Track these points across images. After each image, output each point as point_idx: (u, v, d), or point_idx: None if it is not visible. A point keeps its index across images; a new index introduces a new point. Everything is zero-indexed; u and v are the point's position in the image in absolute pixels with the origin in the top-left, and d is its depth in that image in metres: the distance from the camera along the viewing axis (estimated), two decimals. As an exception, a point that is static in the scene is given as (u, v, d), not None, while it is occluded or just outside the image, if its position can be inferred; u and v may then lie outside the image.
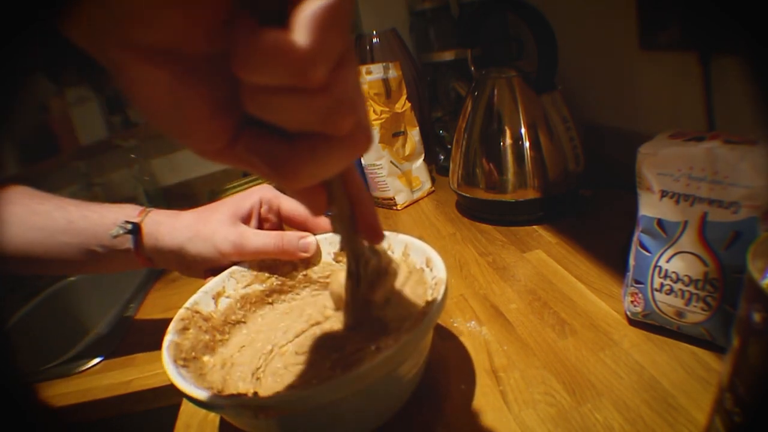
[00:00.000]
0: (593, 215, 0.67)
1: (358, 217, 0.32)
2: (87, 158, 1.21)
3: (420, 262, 0.45)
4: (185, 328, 0.42)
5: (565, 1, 0.79)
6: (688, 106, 0.61)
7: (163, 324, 0.42)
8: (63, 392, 0.57)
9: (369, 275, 0.37)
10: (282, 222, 0.54)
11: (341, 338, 0.43)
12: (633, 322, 0.44)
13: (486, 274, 0.58)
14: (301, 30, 0.18)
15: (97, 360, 0.61)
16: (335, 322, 0.45)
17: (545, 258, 0.58)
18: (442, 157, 0.95)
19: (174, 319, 0.42)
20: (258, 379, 0.40)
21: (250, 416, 0.31)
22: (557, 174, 0.66)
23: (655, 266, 0.41)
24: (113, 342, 0.65)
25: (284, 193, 0.53)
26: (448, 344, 0.47)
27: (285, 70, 0.18)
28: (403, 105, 0.85)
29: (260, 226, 0.53)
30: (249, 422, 0.35)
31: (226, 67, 0.19)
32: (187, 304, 0.44)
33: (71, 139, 1.24)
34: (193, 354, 0.41)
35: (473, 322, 0.50)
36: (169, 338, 0.40)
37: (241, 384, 0.40)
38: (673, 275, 0.39)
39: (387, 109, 0.82)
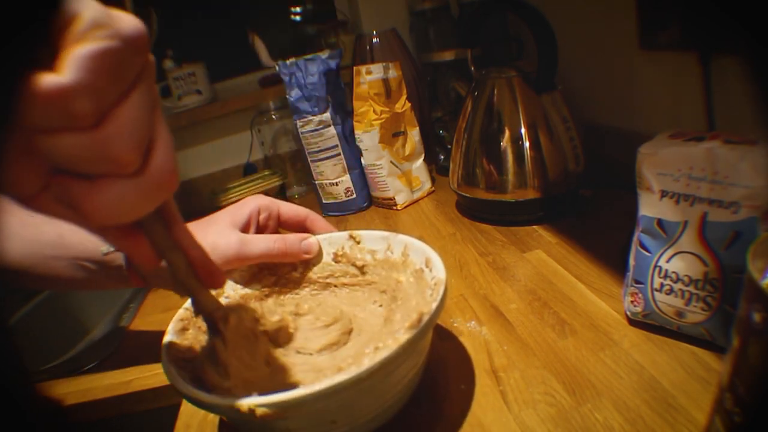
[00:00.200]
0: (593, 215, 0.67)
1: (193, 265, 0.32)
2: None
3: (419, 262, 0.45)
4: (184, 329, 0.42)
5: (565, 1, 0.79)
6: (688, 106, 0.61)
7: (163, 324, 0.42)
8: (63, 392, 0.57)
9: (230, 336, 0.36)
10: (281, 227, 0.54)
11: (341, 339, 0.43)
12: (633, 322, 0.44)
13: (486, 274, 0.58)
14: (65, 66, 0.19)
15: (97, 360, 0.61)
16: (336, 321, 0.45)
17: (545, 258, 0.58)
18: (442, 157, 0.95)
19: (173, 320, 0.42)
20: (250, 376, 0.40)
21: (249, 416, 0.31)
22: (557, 174, 0.66)
23: (655, 266, 0.41)
24: (113, 342, 0.65)
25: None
26: (448, 344, 0.47)
27: (54, 108, 0.20)
28: (403, 105, 0.85)
29: (259, 234, 0.52)
30: (248, 423, 0.35)
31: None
32: (186, 305, 0.44)
33: None
34: (192, 354, 0.41)
35: (473, 322, 0.50)
36: (168, 338, 0.40)
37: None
38: (673, 275, 0.39)
39: (387, 109, 0.82)
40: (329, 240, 0.52)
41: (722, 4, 0.46)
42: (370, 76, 0.81)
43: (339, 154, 0.86)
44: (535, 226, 0.67)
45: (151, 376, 0.56)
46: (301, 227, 0.53)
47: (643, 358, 0.40)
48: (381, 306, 0.48)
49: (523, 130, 0.66)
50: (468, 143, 0.71)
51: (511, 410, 0.38)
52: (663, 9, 0.61)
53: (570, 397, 0.38)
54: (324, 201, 0.91)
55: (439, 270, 0.41)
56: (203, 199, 1.09)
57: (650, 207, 0.40)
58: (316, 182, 0.89)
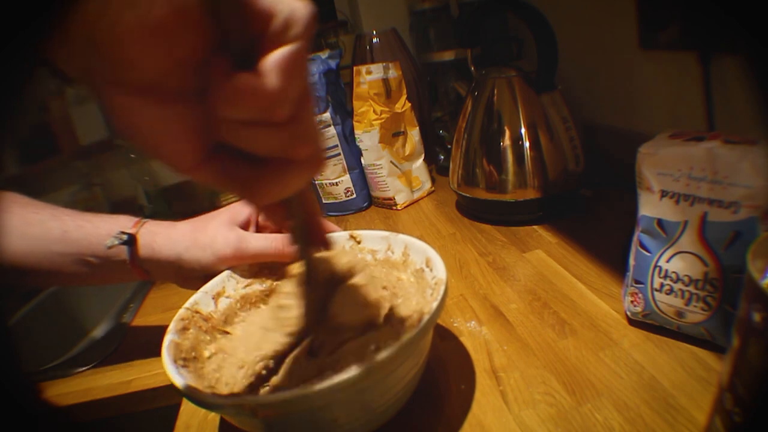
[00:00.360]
0: (593, 215, 0.67)
1: (312, 229, 0.36)
2: (87, 158, 1.21)
3: (420, 262, 0.45)
4: (185, 328, 0.42)
5: (565, 1, 0.79)
6: (688, 106, 0.61)
7: (163, 324, 0.42)
8: (63, 392, 0.57)
9: (320, 279, 0.40)
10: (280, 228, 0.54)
11: (342, 338, 0.43)
12: (633, 322, 0.44)
13: (486, 274, 0.58)
14: (270, 74, 0.21)
15: (97, 360, 0.61)
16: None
17: (545, 258, 0.58)
18: (442, 157, 0.95)
19: (174, 319, 0.42)
20: (258, 378, 0.40)
21: (249, 415, 0.31)
22: (557, 174, 0.66)
23: (655, 266, 0.41)
24: (113, 342, 0.65)
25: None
26: (448, 344, 0.47)
27: (256, 109, 0.22)
28: (403, 105, 0.85)
29: (259, 234, 0.52)
30: (248, 422, 0.35)
31: (198, 98, 0.22)
32: (187, 304, 0.44)
33: (71, 139, 1.24)
34: (194, 354, 0.41)
35: (473, 322, 0.50)
36: (169, 338, 0.40)
37: (242, 383, 0.40)
38: (673, 275, 0.39)
39: (387, 109, 0.82)
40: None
41: (722, 4, 0.46)
42: (370, 76, 0.81)
43: (339, 154, 0.86)
44: (535, 226, 0.67)
45: (151, 376, 0.56)
46: None
47: (643, 358, 0.40)
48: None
49: (523, 130, 0.66)
50: (468, 143, 0.71)
51: (511, 410, 0.38)
52: (663, 9, 0.61)
53: (570, 397, 0.38)
54: (324, 201, 0.91)
55: (439, 270, 0.41)
56: (203, 199, 1.09)
57: (650, 207, 0.40)
58: (316, 182, 0.89)
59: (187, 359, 0.39)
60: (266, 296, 0.50)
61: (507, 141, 0.66)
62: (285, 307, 0.41)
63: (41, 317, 0.80)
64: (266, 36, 0.22)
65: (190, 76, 0.22)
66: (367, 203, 0.90)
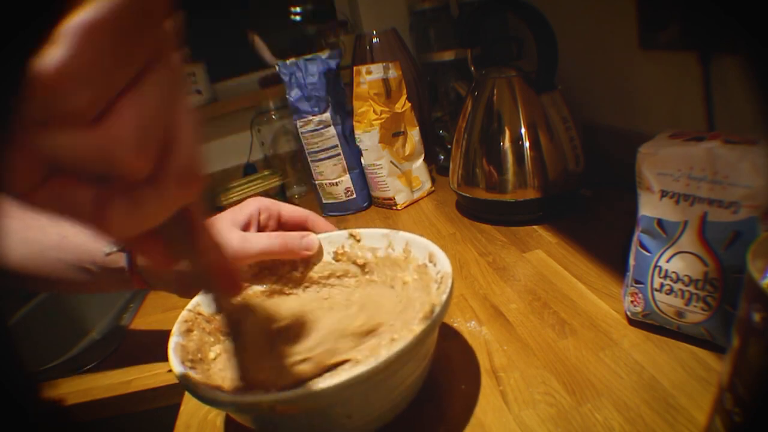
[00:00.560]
0: (593, 215, 0.67)
1: (214, 271, 0.29)
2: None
3: (422, 257, 0.45)
4: (189, 330, 0.42)
5: (565, 1, 0.79)
6: (688, 106, 0.61)
7: (163, 324, 0.42)
8: (63, 392, 0.57)
9: (250, 333, 0.37)
10: (281, 228, 0.54)
11: (352, 334, 0.43)
12: (633, 322, 0.44)
13: (486, 274, 0.58)
14: (62, 43, 0.15)
15: (97, 360, 0.61)
16: (343, 317, 0.45)
17: (545, 258, 0.58)
18: (442, 157, 0.95)
19: (177, 321, 0.42)
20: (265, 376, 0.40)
21: (267, 413, 0.31)
22: (557, 174, 0.66)
23: (655, 266, 0.41)
24: (113, 342, 0.65)
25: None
26: (448, 344, 0.47)
27: (44, 97, 0.16)
28: (403, 105, 0.85)
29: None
30: (264, 420, 0.35)
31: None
32: (189, 306, 0.44)
33: None
34: (199, 356, 0.40)
35: (473, 322, 0.50)
36: (174, 340, 0.39)
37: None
38: (673, 275, 0.39)
39: (387, 109, 0.82)
40: (329, 239, 0.52)
41: (722, 4, 0.46)
42: (370, 76, 0.81)
43: (339, 154, 0.86)
44: (535, 226, 0.67)
45: (151, 376, 0.56)
46: (301, 228, 0.53)
47: (643, 358, 0.40)
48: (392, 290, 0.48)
49: (523, 130, 0.66)
50: (468, 143, 0.71)
51: (511, 410, 0.38)
52: (663, 8, 0.61)
53: (570, 397, 0.38)
54: (324, 201, 0.91)
55: (444, 264, 0.41)
56: (202, 199, 1.09)
57: (650, 207, 0.40)
58: (316, 182, 0.89)
59: (194, 360, 0.39)
60: (267, 297, 0.50)
61: (507, 141, 0.66)
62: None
63: (41, 318, 0.80)
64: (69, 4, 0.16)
65: None
66: (367, 203, 0.90)
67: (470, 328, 0.49)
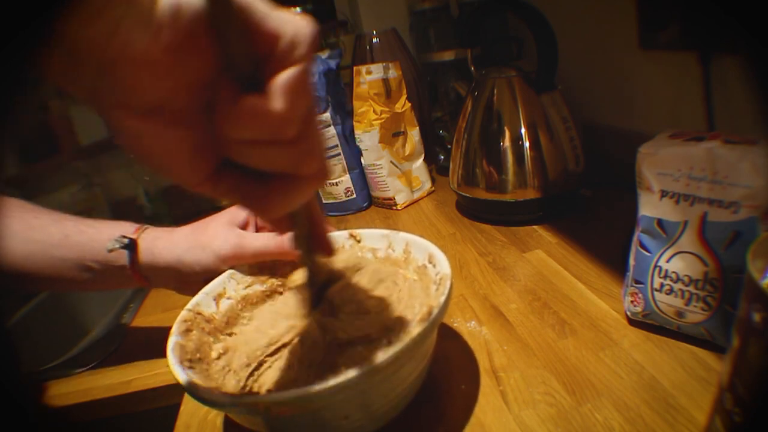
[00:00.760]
0: (593, 215, 0.67)
1: (315, 237, 0.36)
2: (87, 158, 1.21)
3: (422, 258, 0.45)
4: (188, 330, 0.42)
5: (565, 1, 0.79)
6: (688, 106, 0.61)
7: (163, 324, 0.42)
8: (63, 392, 0.57)
9: (320, 282, 0.42)
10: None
11: (352, 335, 0.43)
12: (633, 322, 0.44)
13: (486, 274, 0.58)
14: (278, 96, 0.22)
15: (97, 360, 0.61)
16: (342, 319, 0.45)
17: (545, 258, 0.58)
18: (442, 157, 0.95)
19: (177, 321, 0.42)
20: (262, 376, 0.40)
21: (263, 414, 0.31)
22: (557, 174, 0.66)
23: (655, 266, 0.41)
24: (113, 342, 0.65)
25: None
26: (448, 344, 0.47)
27: (264, 129, 0.22)
28: (403, 105, 0.85)
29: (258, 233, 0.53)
30: (259, 420, 0.35)
31: (204, 118, 0.23)
32: (188, 306, 0.44)
33: (71, 139, 1.24)
34: (198, 355, 0.40)
35: (473, 322, 0.50)
36: (173, 340, 0.39)
37: (247, 383, 0.40)
38: (673, 275, 0.39)
39: (387, 109, 0.82)
40: (329, 239, 0.52)
41: (722, 4, 0.46)
42: (370, 76, 0.81)
43: (339, 154, 0.86)
44: (535, 226, 0.67)
45: (151, 376, 0.56)
46: None
47: (643, 358, 0.40)
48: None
49: (523, 130, 0.66)
50: (468, 143, 0.71)
51: (511, 410, 0.38)
52: (663, 8, 0.61)
53: (570, 397, 0.38)
54: (324, 201, 0.91)
55: (443, 265, 0.41)
56: (202, 199, 1.09)
57: (650, 207, 0.40)
58: (316, 182, 0.89)
59: (192, 360, 0.39)
60: (267, 297, 0.50)
61: (507, 141, 0.66)
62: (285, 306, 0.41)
63: (41, 317, 0.80)
64: (272, 57, 0.22)
65: (197, 97, 0.22)
66: (367, 203, 0.90)
67: (470, 328, 0.49)
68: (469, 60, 0.73)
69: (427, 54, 0.98)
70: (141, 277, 0.50)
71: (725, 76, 0.55)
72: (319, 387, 0.30)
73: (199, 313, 0.44)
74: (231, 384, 0.40)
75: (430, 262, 0.44)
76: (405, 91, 0.85)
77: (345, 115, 0.87)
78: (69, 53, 0.19)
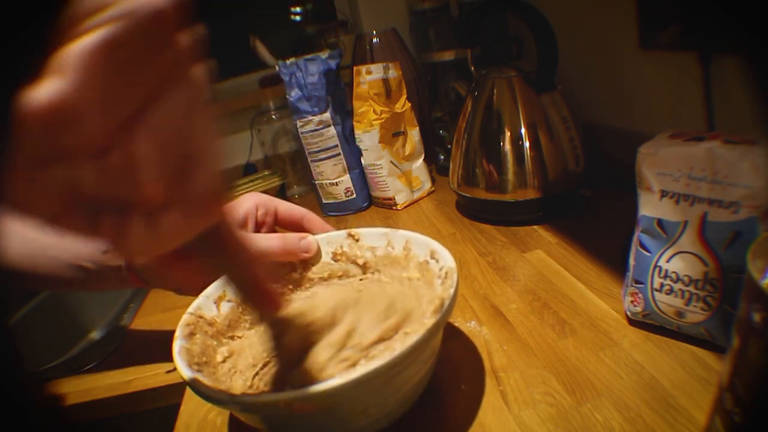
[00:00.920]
0: (593, 215, 0.67)
1: (250, 286, 0.28)
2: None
3: (423, 255, 0.45)
4: (192, 333, 0.42)
5: (565, 1, 0.79)
6: (688, 106, 0.61)
7: (163, 324, 0.41)
8: (63, 392, 0.57)
9: (291, 337, 0.38)
10: (277, 225, 0.54)
11: (362, 330, 0.43)
12: (633, 322, 0.44)
13: (486, 274, 0.58)
14: (66, 72, 0.14)
15: (97, 360, 0.61)
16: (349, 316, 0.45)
17: (545, 258, 0.58)
18: (442, 157, 0.95)
19: (179, 325, 0.42)
20: (267, 375, 0.40)
21: (284, 412, 0.31)
22: (557, 174, 0.66)
23: (655, 266, 0.41)
24: (113, 342, 0.65)
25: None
26: (448, 344, 0.47)
27: (40, 130, 0.15)
28: (403, 105, 0.85)
29: (257, 231, 0.52)
30: (277, 418, 0.35)
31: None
32: (190, 309, 0.44)
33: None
34: (204, 359, 0.40)
35: (473, 322, 0.50)
36: (178, 344, 0.39)
37: (253, 381, 0.40)
38: (673, 275, 0.39)
39: (387, 109, 0.82)
40: (328, 239, 0.52)
41: (722, 4, 0.46)
42: (370, 76, 0.81)
43: (339, 154, 0.86)
44: (535, 226, 0.67)
45: (151, 376, 0.56)
46: (297, 226, 0.53)
47: (643, 358, 0.40)
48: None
49: (523, 130, 0.66)
50: (468, 143, 0.71)
51: (511, 410, 0.38)
52: (663, 8, 0.61)
53: (570, 397, 0.38)
54: (324, 201, 0.91)
55: (447, 259, 0.42)
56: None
57: (650, 207, 0.40)
58: (316, 182, 0.89)
59: (199, 364, 0.39)
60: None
61: (507, 141, 0.66)
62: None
63: (41, 317, 0.80)
64: (74, 23, 0.15)
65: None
66: (367, 203, 0.90)
67: (470, 328, 0.49)
68: (469, 60, 0.73)
69: (427, 54, 0.98)
70: (137, 277, 0.50)
71: (725, 76, 0.55)
72: (339, 381, 0.30)
73: (200, 317, 0.44)
74: (238, 385, 0.40)
75: (433, 258, 0.44)
76: (405, 91, 0.85)
77: (345, 115, 0.87)
78: None
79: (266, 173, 1.04)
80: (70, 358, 0.63)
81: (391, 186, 0.83)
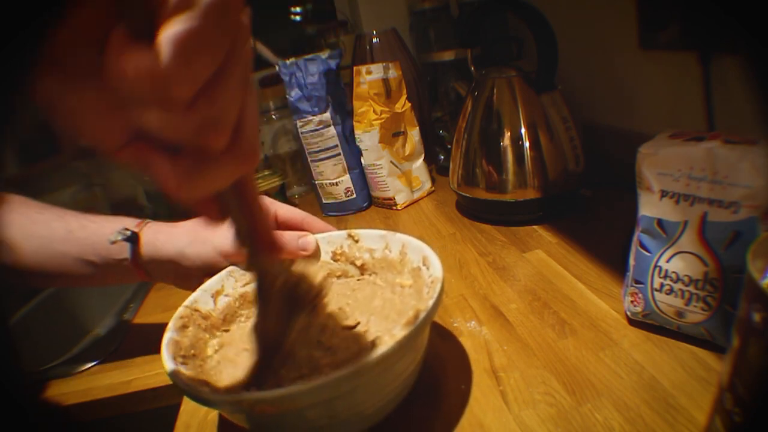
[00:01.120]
0: (593, 215, 0.67)
1: (256, 233, 0.32)
2: (87, 158, 1.21)
3: (417, 260, 0.45)
4: (184, 326, 0.42)
5: (565, 1, 0.79)
6: (688, 106, 0.61)
7: (163, 324, 0.42)
8: (63, 392, 0.57)
9: (276, 293, 0.37)
10: (278, 227, 0.54)
11: (338, 335, 0.43)
12: (633, 322, 0.44)
13: (486, 274, 0.58)
14: (162, 50, 0.19)
15: (97, 360, 0.61)
16: (334, 318, 0.45)
17: (545, 258, 0.58)
18: (442, 157, 0.95)
19: (173, 317, 0.42)
20: (256, 374, 0.40)
21: (248, 412, 0.31)
22: (557, 174, 0.66)
23: (655, 266, 0.41)
24: (113, 342, 0.65)
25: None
26: (448, 344, 0.47)
27: (147, 88, 0.19)
28: (403, 105, 0.85)
29: None
30: (247, 418, 0.35)
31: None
32: (186, 303, 0.44)
33: (71, 139, 1.23)
34: (193, 352, 0.41)
35: (473, 322, 0.50)
36: (168, 336, 0.40)
37: (241, 380, 0.40)
38: (673, 275, 0.39)
39: (387, 109, 0.82)
40: (328, 239, 0.52)
41: (722, 4, 0.46)
42: (370, 76, 0.81)
43: (339, 154, 0.86)
44: (535, 226, 0.67)
45: (152, 376, 0.56)
46: (298, 229, 0.53)
47: (643, 358, 0.40)
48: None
49: (523, 130, 0.66)
50: (468, 143, 0.71)
51: (511, 410, 0.38)
52: (663, 8, 0.61)
53: (570, 397, 0.38)
54: (324, 201, 0.91)
55: (436, 268, 0.41)
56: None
57: (650, 207, 0.40)
58: (316, 182, 0.89)
59: (186, 357, 0.39)
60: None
61: (507, 141, 0.66)
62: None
63: (42, 316, 0.80)
64: (165, 5, 0.19)
65: (95, 50, 0.20)
66: (367, 203, 0.90)
67: (470, 328, 0.49)
68: (469, 60, 0.73)
69: (427, 54, 0.98)
70: (142, 270, 0.51)
71: (725, 76, 0.55)
72: (300, 387, 0.30)
73: (196, 310, 0.44)
74: (224, 378, 0.40)
75: (424, 265, 0.44)
76: (405, 91, 0.85)
77: (345, 115, 0.87)
78: None
79: (266, 173, 1.04)
80: (70, 358, 0.63)
81: (391, 186, 0.83)
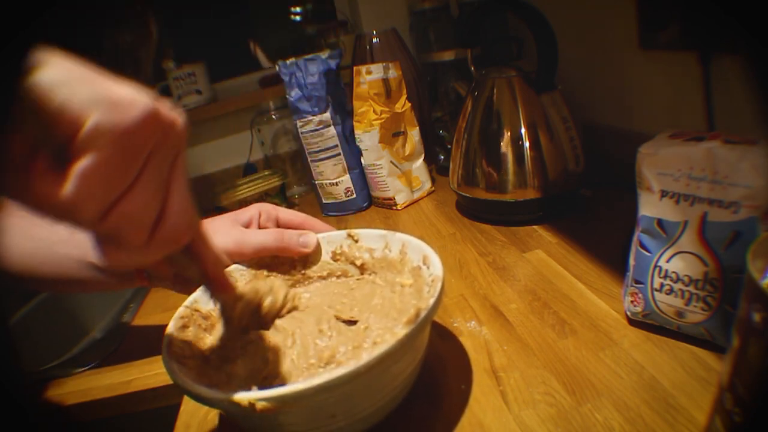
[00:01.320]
0: (593, 215, 0.67)
1: (207, 277, 0.35)
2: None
3: (417, 260, 0.45)
4: (185, 326, 0.42)
5: (565, 1, 0.79)
6: (688, 106, 0.61)
7: (163, 324, 0.42)
8: (63, 392, 0.57)
9: (237, 315, 0.42)
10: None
11: (341, 333, 0.43)
12: (633, 322, 0.44)
13: (486, 274, 0.58)
14: (69, 183, 0.21)
15: (97, 360, 0.61)
16: (334, 317, 0.45)
17: (545, 258, 0.58)
18: (442, 157, 0.95)
19: (174, 317, 0.42)
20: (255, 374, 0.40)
21: (247, 411, 0.31)
22: (557, 174, 0.66)
23: (655, 266, 0.41)
24: (113, 342, 0.65)
25: None
26: (448, 344, 0.47)
27: (57, 211, 0.22)
28: (403, 105, 0.85)
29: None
30: (248, 417, 0.35)
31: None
32: (186, 303, 0.44)
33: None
34: (193, 351, 0.41)
35: (473, 322, 0.50)
36: (168, 335, 0.40)
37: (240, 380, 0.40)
38: (673, 275, 0.39)
39: (387, 109, 0.82)
40: (328, 239, 0.52)
41: (722, 4, 0.46)
42: (370, 76, 0.81)
43: (339, 154, 0.86)
44: (535, 226, 0.67)
45: (152, 376, 0.56)
46: (299, 229, 0.54)
47: (643, 358, 0.40)
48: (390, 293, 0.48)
49: (523, 130, 0.66)
50: (468, 143, 0.71)
51: (511, 410, 0.38)
52: (663, 8, 0.61)
53: (570, 397, 0.38)
54: (324, 201, 0.91)
55: (436, 267, 0.41)
56: (203, 199, 1.09)
57: (650, 207, 0.40)
58: (316, 182, 0.89)
59: (186, 356, 0.39)
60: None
61: (507, 141, 0.66)
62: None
63: (41, 317, 0.80)
64: (75, 140, 0.21)
65: (22, 172, 0.21)
66: (367, 203, 0.90)
67: (470, 328, 0.49)
68: (469, 60, 0.73)
69: (427, 54, 0.98)
70: (143, 276, 0.51)
71: (725, 76, 0.55)
72: (300, 386, 0.30)
73: (196, 310, 0.44)
74: (223, 380, 0.40)
75: (425, 264, 0.44)
76: (405, 91, 0.85)
77: (345, 115, 0.87)
78: None
79: (266, 173, 1.04)
80: (70, 358, 0.63)
81: (391, 186, 0.83)
